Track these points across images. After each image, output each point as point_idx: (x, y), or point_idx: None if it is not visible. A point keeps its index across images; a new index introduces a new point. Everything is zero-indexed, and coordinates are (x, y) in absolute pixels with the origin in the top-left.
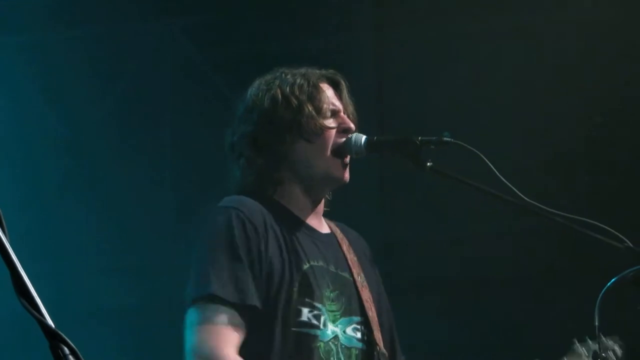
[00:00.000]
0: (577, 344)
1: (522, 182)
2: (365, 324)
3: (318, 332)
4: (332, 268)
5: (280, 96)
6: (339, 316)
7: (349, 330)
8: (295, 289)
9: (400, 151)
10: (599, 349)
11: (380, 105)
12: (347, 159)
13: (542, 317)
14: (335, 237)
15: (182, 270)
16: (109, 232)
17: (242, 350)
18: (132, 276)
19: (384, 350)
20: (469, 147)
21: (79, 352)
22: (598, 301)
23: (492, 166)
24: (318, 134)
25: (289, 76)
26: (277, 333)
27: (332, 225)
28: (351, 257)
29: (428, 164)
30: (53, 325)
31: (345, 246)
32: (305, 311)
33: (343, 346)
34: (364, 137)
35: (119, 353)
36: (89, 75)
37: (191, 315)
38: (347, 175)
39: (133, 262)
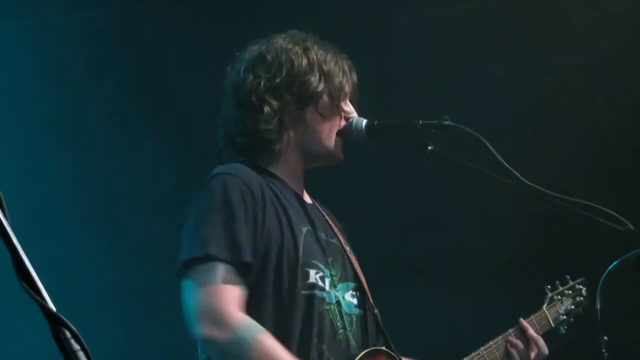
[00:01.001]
0: (550, 292)
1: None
2: (360, 289)
3: (325, 295)
4: (322, 235)
5: (316, 61)
6: (337, 281)
7: (347, 296)
8: (300, 252)
9: (401, 135)
10: (570, 292)
11: (380, 90)
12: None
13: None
14: (317, 207)
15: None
16: (114, 218)
17: (252, 315)
18: (132, 259)
19: (379, 315)
20: (469, 130)
21: (80, 336)
22: (599, 284)
23: (492, 149)
24: (333, 112)
25: (321, 46)
26: (286, 296)
27: (310, 197)
28: (334, 226)
29: (429, 147)
30: (54, 309)
31: (326, 216)
32: (312, 272)
33: (344, 312)
34: (364, 121)
35: (125, 337)
36: (92, 61)
37: (187, 278)
38: (342, 156)
39: (137, 246)
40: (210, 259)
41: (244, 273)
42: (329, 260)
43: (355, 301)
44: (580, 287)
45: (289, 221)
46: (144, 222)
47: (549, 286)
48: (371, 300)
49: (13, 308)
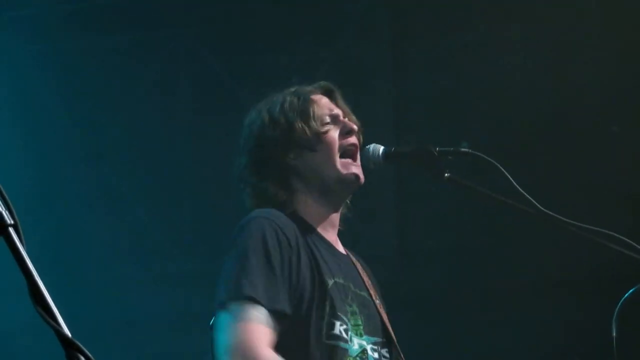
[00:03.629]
0: None
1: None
2: (388, 345)
3: (347, 346)
4: (351, 286)
5: (268, 119)
6: (362, 332)
7: (369, 349)
8: (328, 302)
9: (417, 162)
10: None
11: (396, 116)
12: (358, 160)
13: (558, 326)
14: (350, 258)
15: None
16: (143, 241)
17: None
18: (163, 286)
19: None
20: (486, 157)
21: None
22: (616, 312)
23: (509, 176)
24: (319, 141)
25: (278, 97)
26: (313, 345)
27: (344, 248)
28: (366, 279)
29: (446, 174)
30: (69, 334)
31: (359, 268)
32: (337, 324)
33: None
34: (381, 148)
35: None
36: (105, 84)
37: (223, 316)
38: (361, 174)
39: (166, 271)
40: (250, 300)
41: (278, 320)
42: (356, 310)
43: (376, 355)
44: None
45: (320, 271)
46: (179, 248)
47: None
48: (402, 356)
49: (29, 332)
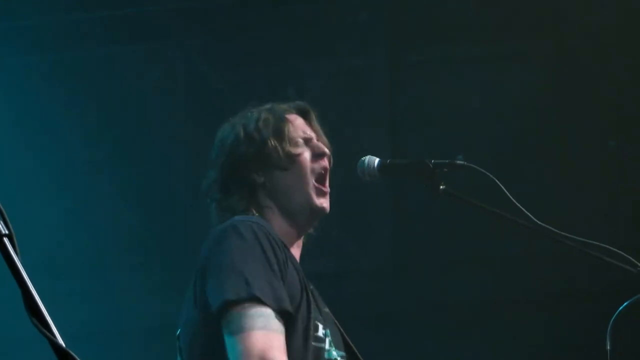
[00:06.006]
0: None
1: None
2: (352, 359)
3: (326, 350)
4: (318, 301)
5: (242, 134)
6: (333, 344)
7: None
8: (312, 305)
9: (413, 174)
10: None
11: (392, 128)
12: (326, 188)
13: (557, 340)
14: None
15: None
16: (136, 250)
17: None
18: (159, 295)
19: None
20: (481, 170)
21: None
22: (610, 325)
23: (504, 189)
24: (291, 162)
25: (254, 113)
26: (302, 345)
27: None
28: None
29: (441, 186)
30: (64, 344)
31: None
32: (320, 327)
33: None
34: (377, 160)
35: None
36: (102, 95)
37: (232, 320)
38: (327, 204)
39: (161, 280)
40: (257, 301)
41: (284, 320)
42: (324, 322)
43: None
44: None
45: (300, 276)
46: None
47: None
48: None
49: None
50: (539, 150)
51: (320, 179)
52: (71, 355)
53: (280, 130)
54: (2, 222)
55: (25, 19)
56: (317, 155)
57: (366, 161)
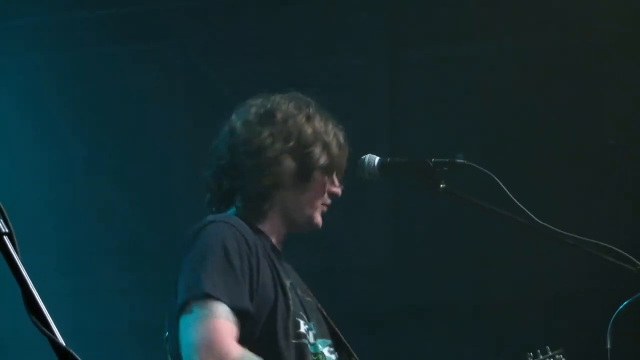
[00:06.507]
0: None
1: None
2: (338, 345)
3: (310, 346)
4: (299, 291)
5: (319, 132)
6: (317, 335)
7: (326, 352)
8: (291, 301)
9: (413, 172)
10: None
11: (392, 127)
12: (326, 208)
13: (557, 340)
14: (290, 266)
15: None
16: (135, 251)
17: None
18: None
19: None
20: (481, 168)
21: None
22: (610, 324)
23: (504, 187)
24: (323, 187)
25: (322, 116)
26: (282, 346)
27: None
28: (305, 285)
29: (441, 185)
30: (64, 343)
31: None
32: (302, 323)
33: None
34: (377, 159)
35: None
36: (102, 94)
37: (185, 316)
38: (320, 224)
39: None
40: (209, 298)
41: (241, 319)
42: (308, 315)
43: (334, 357)
44: (560, 356)
45: (278, 274)
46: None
47: (530, 353)
48: (355, 356)
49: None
50: (538, 149)
51: (327, 202)
52: (71, 355)
53: (335, 153)
54: (2, 221)
55: (25, 18)
56: (338, 184)
57: (366, 160)
